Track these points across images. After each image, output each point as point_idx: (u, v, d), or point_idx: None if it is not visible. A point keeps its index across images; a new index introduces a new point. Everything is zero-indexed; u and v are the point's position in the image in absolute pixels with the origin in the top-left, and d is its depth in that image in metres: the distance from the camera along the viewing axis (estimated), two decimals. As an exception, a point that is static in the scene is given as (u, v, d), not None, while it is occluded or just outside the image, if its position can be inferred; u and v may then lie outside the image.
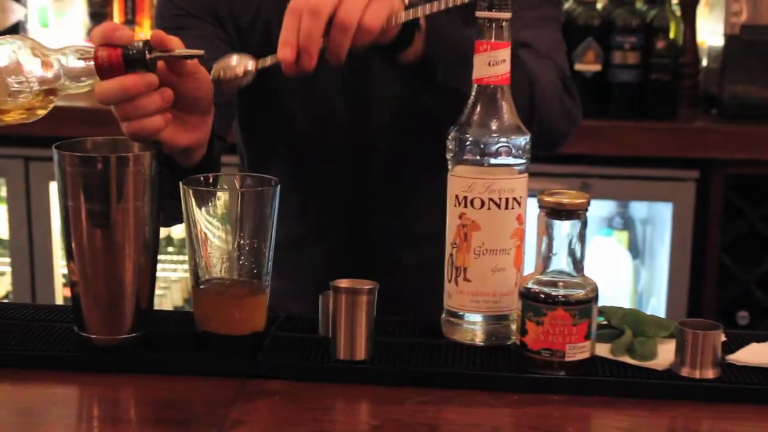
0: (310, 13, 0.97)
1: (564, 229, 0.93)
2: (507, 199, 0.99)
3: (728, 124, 2.27)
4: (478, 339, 1.01)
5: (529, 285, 0.94)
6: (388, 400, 0.92)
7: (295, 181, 1.26)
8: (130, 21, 2.51)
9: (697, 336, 0.94)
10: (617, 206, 2.55)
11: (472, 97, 1.00)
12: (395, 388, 0.94)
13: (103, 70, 0.96)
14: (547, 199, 0.94)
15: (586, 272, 0.95)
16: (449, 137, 1.01)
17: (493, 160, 0.99)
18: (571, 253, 0.94)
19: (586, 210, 0.94)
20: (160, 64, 0.98)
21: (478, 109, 1.00)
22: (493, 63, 0.98)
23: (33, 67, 0.96)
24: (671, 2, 2.41)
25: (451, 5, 1.00)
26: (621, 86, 2.31)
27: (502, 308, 1.00)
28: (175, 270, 2.69)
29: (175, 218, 1.04)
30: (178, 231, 2.62)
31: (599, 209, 2.53)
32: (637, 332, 1.00)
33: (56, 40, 2.42)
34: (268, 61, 1.00)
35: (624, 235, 2.56)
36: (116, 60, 0.96)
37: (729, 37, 2.32)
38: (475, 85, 1.00)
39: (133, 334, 0.98)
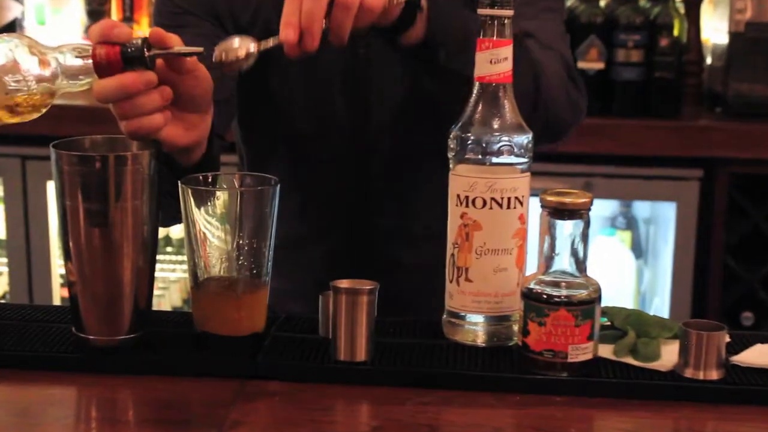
0: None
1: (566, 228, 0.93)
2: (509, 199, 0.98)
3: (733, 123, 2.26)
4: (480, 340, 1.00)
5: (532, 285, 0.94)
6: (389, 400, 0.92)
7: (294, 181, 1.25)
8: (128, 18, 2.51)
9: (701, 337, 0.93)
10: (620, 206, 2.54)
11: (473, 95, 1.00)
12: (396, 388, 0.94)
13: (102, 68, 0.95)
14: (549, 198, 0.93)
15: (589, 272, 0.95)
16: (451, 136, 1.00)
17: (495, 159, 0.98)
18: (574, 253, 0.93)
19: (589, 209, 0.94)
20: (159, 62, 0.97)
21: (480, 107, 0.99)
22: (495, 61, 0.98)
23: (30, 66, 0.95)
24: (675, -1, 2.41)
25: None
26: (624, 84, 2.30)
27: (503, 309, 1.00)
28: (173, 270, 2.69)
29: (174, 218, 1.03)
30: (177, 231, 2.62)
31: (602, 209, 2.52)
32: (640, 333, 0.99)
33: (53, 38, 2.42)
34: (270, 42, 0.99)
35: (627, 235, 2.55)
36: (114, 58, 0.95)
37: (733, 35, 2.31)
38: (477, 83, 0.99)
39: (132, 335, 0.98)
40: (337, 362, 0.96)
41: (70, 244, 0.96)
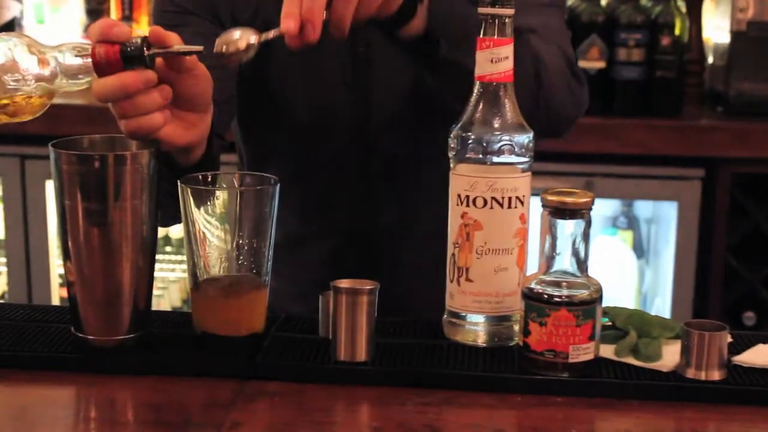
0: None
1: (568, 228, 0.93)
2: (510, 198, 0.98)
3: (734, 122, 2.26)
4: (481, 340, 1.00)
5: (532, 285, 0.94)
6: (389, 401, 0.92)
7: (295, 180, 1.25)
8: (128, 17, 2.51)
9: (703, 337, 0.93)
10: (622, 205, 2.54)
11: (474, 94, 0.99)
12: (396, 389, 0.93)
13: (101, 68, 0.95)
14: (550, 198, 0.93)
15: (590, 272, 0.94)
16: (451, 135, 1.00)
17: (495, 159, 0.98)
18: (575, 252, 0.93)
19: (590, 209, 0.93)
20: (159, 61, 0.97)
21: (481, 106, 0.99)
22: (495, 60, 0.97)
23: (29, 65, 0.95)
24: (676, -2, 2.40)
25: None
26: (625, 84, 2.30)
27: (504, 309, 0.99)
28: (173, 270, 2.68)
29: (173, 217, 1.03)
30: (176, 230, 2.62)
31: (603, 208, 2.52)
32: (641, 333, 0.99)
33: (52, 37, 2.41)
34: (271, 34, 0.99)
35: (628, 235, 2.55)
36: (114, 57, 0.95)
37: (735, 34, 2.30)
38: (478, 83, 0.99)
39: (131, 335, 0.97)
40: (338, 362, 0.95)
41: (69, 243, 0.96)
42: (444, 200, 1.01)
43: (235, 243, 0.95)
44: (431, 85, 1.16)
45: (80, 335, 0.97)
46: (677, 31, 2.30)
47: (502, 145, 0.98)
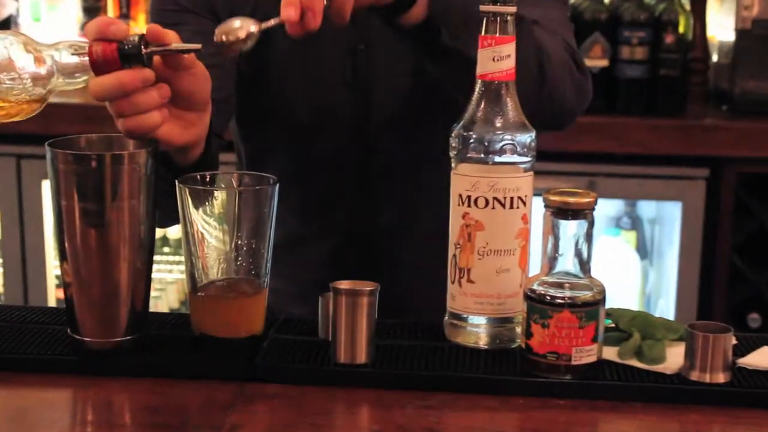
0: None
1: (570, 229, 0.92)
2: (512, 198, 0.97)
3: (739, 121, 2.25)
4: (482, 342, 0.99)
5: (535, 286, 0.93)
6: (390, 404, 0.91)
7: (294, 180, 1.25)
8: (125, 15, 2.51)
9: (707, 339, 0.92)
10: (625, 205, 2.53)
11: (476, 93, 0.99)
12: (397, 391, 0.93)
13: (98, 66, 0.94)
14: (553, 198, 0.92)
15: (593, 273, 0.94)
16: (453, 134, 0.99)
17: (497, 158, 0.97)
18: (578, 253, 0.92)
19: (593, 209, 0.93)
20: (157, 59, 0.96)
21: (482, 105, 0.98)
22: (497, 58, 0.97)
23: (25, 63, 0.95)
24: (680, -4, 2.40)
25: None
26: (629, 82, 2.29)
27: (506, 310, 0.99)
28: (171, 271, 2.68)
29: (171, 218, 1.02)
30: (174, 231, 2.61)
31: (606, 208, 2.51)
32: (645, 335, 0.98)
33: (49, 35, 2.41)
34: (272, 22, 0.98)
35: (632, 235, 2.54)
36: (111, 55, 0.94)
37: (740, 32, 2.29)
38: (480, 81, 0.98)
39: (128, 337, 0.97)
40: (337, 365, 0.95)
41: (66, 244, 0.95)
42: (444, 200, 1.00)
43: (233, 244, 0.94)
44: (432, 74, 1.15)
45: (77, 337, 0.97)
46: (681, 29, 2.29)
47: (504, 145, 0.97)
